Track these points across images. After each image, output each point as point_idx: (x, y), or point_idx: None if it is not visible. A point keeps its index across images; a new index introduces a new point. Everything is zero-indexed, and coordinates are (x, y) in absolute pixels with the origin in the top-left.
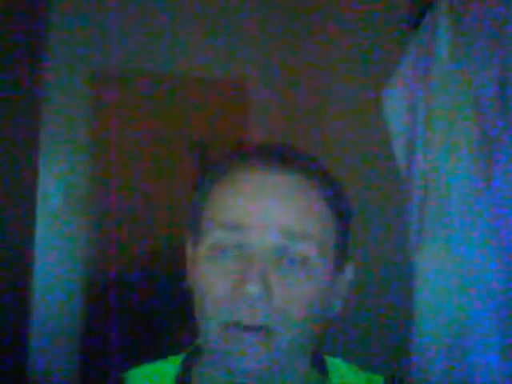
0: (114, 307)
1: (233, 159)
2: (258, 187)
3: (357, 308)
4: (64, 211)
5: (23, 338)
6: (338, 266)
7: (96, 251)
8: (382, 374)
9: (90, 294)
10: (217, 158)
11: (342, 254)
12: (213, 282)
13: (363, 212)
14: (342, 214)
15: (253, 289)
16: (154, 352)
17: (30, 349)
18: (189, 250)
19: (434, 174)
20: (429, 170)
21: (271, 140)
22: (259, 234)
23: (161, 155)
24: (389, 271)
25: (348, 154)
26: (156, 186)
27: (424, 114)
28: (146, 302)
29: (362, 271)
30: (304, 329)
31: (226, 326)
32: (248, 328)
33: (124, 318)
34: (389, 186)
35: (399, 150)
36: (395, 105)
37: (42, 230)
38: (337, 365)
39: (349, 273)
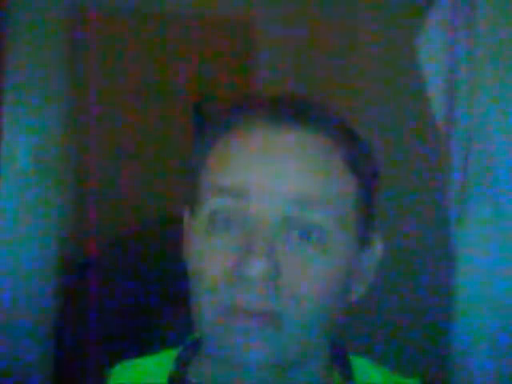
0: (94, 293)
1: (236, 113)
2: (265, 146)
3: (386, 295)
4: (33, 177)
5: None
6: (362, 242)
7: (72, 226)
8: (416, 377)
9: (65, 277)
10: (217, 113)
11: (366, 226)
12: (210, 258)
13: (395, 178)
14: (366, 179)
15: (257, 267)
16: (140, 346)
17: None
18: (186, 223)
19: (479, 130)
20: (473, 125)
21: (282, 92)
22: (265, 202)
23: (150, 111)
24: (424, 249)
25: (375, 109)
26: (144, 149)
27: (467, 62)
28: (131, 288)
29: (392, 251)
30: (319, 315)
31: (225, 311)
32: (251, 313)
33: (105, 305)
34: (425, 146)
35: (437, 103)
36: (432, 52)
37: (7, 198)
38: (363, 365)
39: (375, 250)
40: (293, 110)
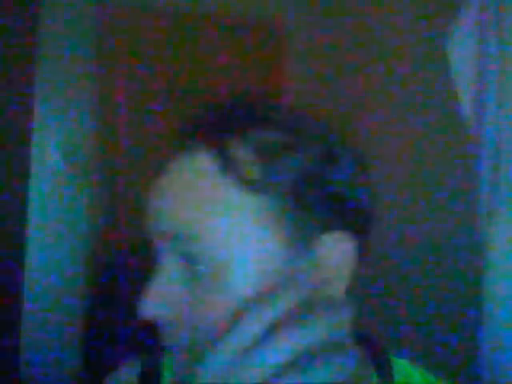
0: (124, 292)
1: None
2: (161, 177)
3: (412, 295)
4: (63, 176)
5: (14, 327)
6: (299, 247)
7: (102, 225)
8: (451, 380)
9: (95, 276)
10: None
11: (297, 232)
12: None
13: (424, 178)
14: (279, 188)
15: (145, 307)
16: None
17: (22, 342)
18: None
19: (510, 131)
20: (503, 125)
21: (310, 95)
22: (156, 242)
23: (178, 112)
24: (453, 249)
25: (404, 108)
26: (174, 146)
27: (498, 62)
28: None
29: (423, 248)
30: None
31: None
32: (176, 347)
33: (135, 305)
34: (454, 147)
35: (467, 104)
36: (462, 53)
37: (37, 198)
38: (403, 366)
39: (331, 247)
40: (191, 132)
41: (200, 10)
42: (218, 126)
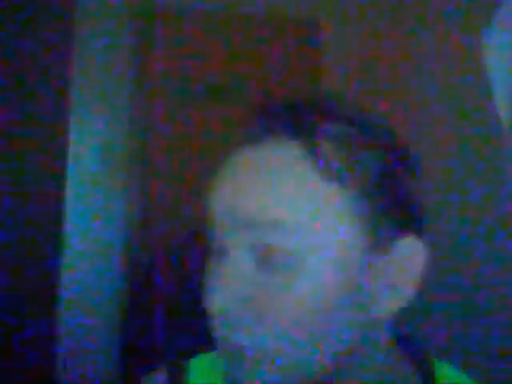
0: (159, 293)
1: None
2: (233, 169)
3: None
4: (99, 177)
5: (51, 330)
6: (371, 248)
7: (138, 225)
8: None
9: (132, 276)
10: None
11: (373, 232)
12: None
13: (456, 176)
14: (363, 183)
15: (216, 303)
16: (205, 343)
17: (58, 344)
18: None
19: None
20: None
21: (345, 92)
22: (228, 229)
23: (217, 110)
24: (486, 252)
25: (439, 107)
26: (210, 148)
27: None
28: (196, 287)
29: (457, 251)
30: (306, 342)
31: (218, 342)
32: (234, 346)
33: (171, 305)
34: (488, 147)
35: (503, 102)
36: (499, 51)
37: (74, 198)
38: (446, 371)
39: (406, 254)
40: (263, 122)
41: (237, 8)
42: (304, 118)
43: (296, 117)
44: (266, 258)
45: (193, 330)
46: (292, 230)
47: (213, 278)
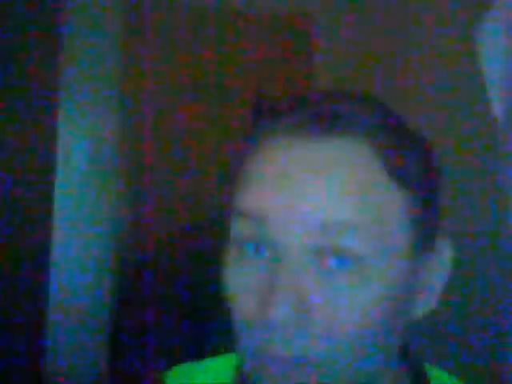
0: (150, 292)
1: (263, 122)
2: (288, 163)
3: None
4: (88, 176)
5: (40, 328)
6: (419, 254)
7: (128, 222)
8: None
9: (121, 276)
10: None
11: (424, 237)
12: (236, 296)
13: (451, 175)
14: (420, 188)
15: (279, 312)
16: (198, 347)
17: (47, 342)
18: (223, 248)
19: None
20: None
21: (338, 87)
22: (288, 229)
23: (206, 109)
24: (483, 250)
25: (433, 103)
26: (201, 145)
27: None
28: (188, 286)
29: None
30: (364, 350)
31: (258, 356)
32: (284, 360)
33: (162, 304)
34: (482, 141)
35: (496, 98)
36: (492, 46)
37: (62, 198)
38: (440, 378)
39: (442, 260)
40: (320, 116)
41: (228, 3)
42: (370, 118)
43: (360, 115)
44: (325, 264)
45: (184, 330)
46: (361, 233)
47: (264, 288)
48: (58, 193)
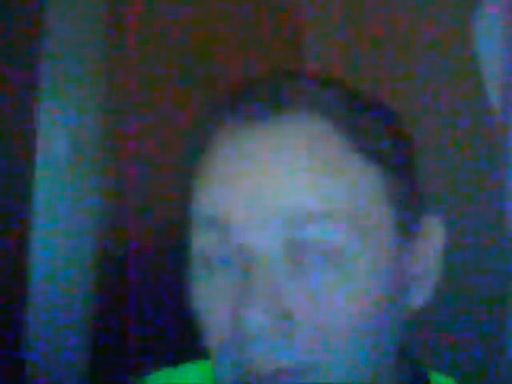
0: (133, 287)
1: (217, 112)
2: (244, 152)
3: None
4: (70, 165)
5: (19, 325)
6: (404, 231)
7: (111, 217)
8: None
9: (103, 270)
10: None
11: (406, 222)
12: (208, 310)
13: (445, 170)
14: (395, 162)
15: (256, 322)
16: (182, 344)
17: (26, 339)
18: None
19: None
20: None
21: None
22: (252, 230)
23: (191, 97)
24: (478, 247)
25: (426, 94)
26: (185, 135)
27: None
28: (173, 282)
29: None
30: (357, 354)
31: (240, 372)
32: (265, 376)
33: (145, 300)
34: (479, 136)
35: (493, 90)
36: (489, 35)
37: (43, 188)
38: (437, 379)
39: (432, 239)
40: (269, 97)
41: None
42: (326, 94)
43: (312, 89)
44: (306, 258)
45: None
46: (335, 221)
47: (237, 297)
48: (38, 183)
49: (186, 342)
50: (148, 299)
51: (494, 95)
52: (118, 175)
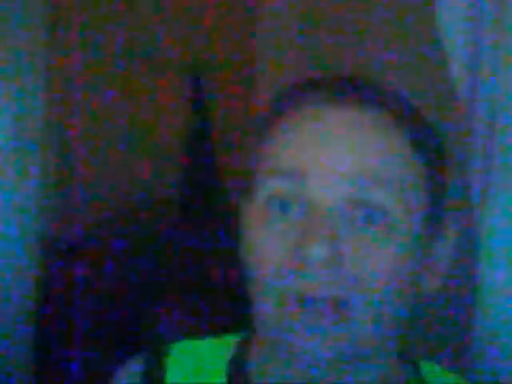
0: (79, 279)
1: (289, 95)
2: (323, 126)
3: None
4: (12, 154)
5: None
6: (432, 231)
7: (55, 207)
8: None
9: (48, 263)
10: (272, 96)
11: (435, 214)
12: (270, 244)
13: None
14: (433, 160)
15: (318, 251)
16: (131, 336)
17: None
18: (243, 209)
19: (506, 100)
20: (499, 94)
21: (285, 63)
22: (324, 183)
23: (140, 83)
24: None
25: (392, 78)
26: (136, 121)
27: (492, 21)
28: (120, 273)
29: None
30: (387, 304)
31: (288, 298)
32: (316, 300)
33: (92, 292)
34: (446, 119)
35: (459, 70)
36: (454, 13)
37: None
38: (432, 369)
39: (449, 238)
40: (351, 89)
41: None
42: (393, 95)
43: (383, 92)
44: (361, 216)
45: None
46: (387, 188)
47: (300, 234)
48: None
49: (129, 333)
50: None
51: (460, 76)
52: (63, 164)
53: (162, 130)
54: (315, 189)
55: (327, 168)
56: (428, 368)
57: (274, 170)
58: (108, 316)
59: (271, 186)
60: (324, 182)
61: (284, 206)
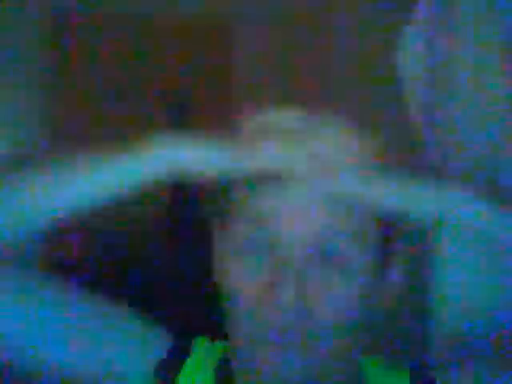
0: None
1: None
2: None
3: None
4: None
5: None
6: (384, 258)
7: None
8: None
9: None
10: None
11: (386, 244)
12: (243, 282)
13: None
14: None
15: (287, 295)
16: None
17: None
18: (218, 235)
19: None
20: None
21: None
22: (294, 230)
23: (125, 113)
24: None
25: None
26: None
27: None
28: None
29: None
30: (344, 338)
31: (259, 333)
32: (283, 336)
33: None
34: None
35: (416, 109)
36: (413, 54)
37: None
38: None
39: (396, 274)
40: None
41: (147, 10)
42: None
43: None
44: (327, 258)
45: None
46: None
47: (278, 274)
48: None
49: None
50: None
51: (417, 114)
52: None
53: None
54: (285, 235)
55: (294, 217)
56: (367, 363)
57: (248, 213)
58: None
59: (246, 228)
60: (292, 229)
61: (257, 246)
